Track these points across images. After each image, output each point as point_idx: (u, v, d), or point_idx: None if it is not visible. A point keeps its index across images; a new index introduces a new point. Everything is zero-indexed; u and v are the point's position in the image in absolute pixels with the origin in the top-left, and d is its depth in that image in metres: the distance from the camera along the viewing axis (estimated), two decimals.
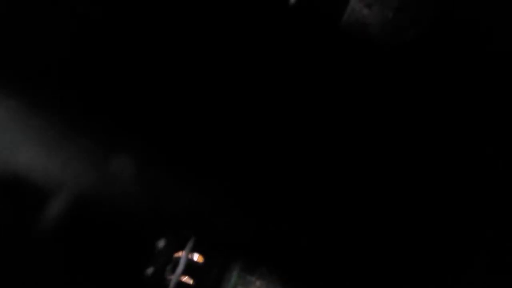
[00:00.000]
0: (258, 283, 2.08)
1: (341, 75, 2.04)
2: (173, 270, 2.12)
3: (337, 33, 2.03)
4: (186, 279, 2.14)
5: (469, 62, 2.01)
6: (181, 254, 2.16)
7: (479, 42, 2.01)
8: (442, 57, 2.02)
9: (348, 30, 2.03)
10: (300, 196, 2.13)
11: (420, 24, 2.01)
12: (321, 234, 2.08)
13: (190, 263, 2.15)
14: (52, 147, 2.13)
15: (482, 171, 2.01)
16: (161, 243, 2.14)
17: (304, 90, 2.08)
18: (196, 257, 2.17)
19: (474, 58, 2.01)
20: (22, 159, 2.10)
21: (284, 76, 2.07)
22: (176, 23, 2.07)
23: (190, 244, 2.15)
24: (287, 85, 2.08)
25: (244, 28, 2.06)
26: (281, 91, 2.08)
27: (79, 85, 2.16)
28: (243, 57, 2.08)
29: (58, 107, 2.15)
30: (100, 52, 2.15)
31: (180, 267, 2.12)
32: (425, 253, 1.97)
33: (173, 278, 2.11)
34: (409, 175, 2.04)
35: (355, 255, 2.01)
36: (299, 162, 2.13)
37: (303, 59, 2.06)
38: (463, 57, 2.02)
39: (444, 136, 2.04)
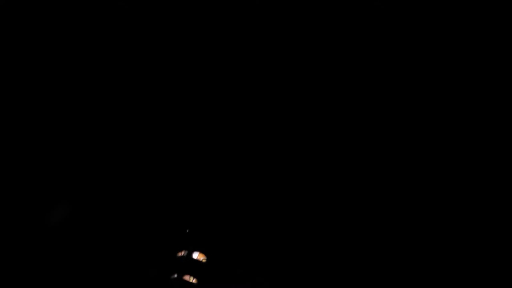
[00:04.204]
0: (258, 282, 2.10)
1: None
2: (176, 270, 2.14)
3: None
4: (188, 278, 2.15)
5: (470, 62, 2.00)
6: (183, 253, 2.18)
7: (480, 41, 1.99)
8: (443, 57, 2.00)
9: None
10: (302, 197, 2.14)
11: None
12: (323, 235, 2.09)
13: (193, 262, 2.16)
14: (52, 147, 2.15)
15: (481, 170, 2.01)
16: (162, 244, 2.16)
17: (303, 91, 2.09)
18: (199, 256, 2.18)
19: (475, 58, 1.99)
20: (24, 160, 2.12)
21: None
22: (173, 28, 2.08)
23: (192, 244, 2.17)
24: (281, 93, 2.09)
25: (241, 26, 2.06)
26: (279, 93, 2.09)
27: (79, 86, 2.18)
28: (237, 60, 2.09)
29: (58, 108, 2.17)
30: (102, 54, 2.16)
31: (183, 266, 2.14)
32: (423, 256, 1.98)
33: (176, 277, 2.13)
34: (409, 172, 2.04)
35: (352, 262, 2.02)
36: (301, 164, 2.13)
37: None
38: (464, 57, 2.00)
39: (444, 134, 2.04)
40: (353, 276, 2.00)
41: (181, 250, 2.20)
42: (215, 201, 2.22)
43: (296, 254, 2.10)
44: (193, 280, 2.16)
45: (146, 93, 2.19)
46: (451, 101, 2.02)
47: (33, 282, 1.99)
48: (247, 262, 2.12)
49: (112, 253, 2.11)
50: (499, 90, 1.98)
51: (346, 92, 2.08)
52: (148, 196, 2.20)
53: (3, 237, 2.02)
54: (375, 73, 2.04)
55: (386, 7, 1.95)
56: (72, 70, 2.17)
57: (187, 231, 2.21)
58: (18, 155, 2.11)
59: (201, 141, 2.22)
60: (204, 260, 2.18)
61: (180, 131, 2.22)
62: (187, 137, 2.22)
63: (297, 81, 2.10)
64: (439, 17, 1.94)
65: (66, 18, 2.14)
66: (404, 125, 2.07)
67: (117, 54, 2.15)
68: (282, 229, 2.15)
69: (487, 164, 2.00)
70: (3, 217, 2.04)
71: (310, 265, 2.07)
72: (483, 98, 2.00)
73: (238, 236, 2.18)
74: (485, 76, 1.99)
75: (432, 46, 1.99)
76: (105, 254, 2.10)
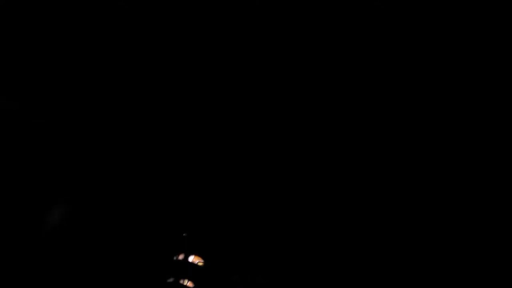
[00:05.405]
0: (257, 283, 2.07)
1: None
2: (172, 273, 2.11)
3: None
4: (186, 282, 2.13)
5: (470, 62, 2.00)
6: (181, 256, 2.15)
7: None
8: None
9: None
10: (301, 198, 2.12)
11: None
12: (321, 237, 2.07)
13: (190, 265, 2.14)
14: (52, 147, 2.14)
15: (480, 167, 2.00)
16: (159, 247, 2.13)
17: (303, 91, 2.09)
18: (196, 260, 2.16)
19: (474, 55, 1.99)
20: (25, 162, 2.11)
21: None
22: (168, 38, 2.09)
23: (189, 246, 2.15)
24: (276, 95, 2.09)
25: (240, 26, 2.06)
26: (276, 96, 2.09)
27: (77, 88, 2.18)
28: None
29: (58, 107, 2.16)
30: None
31: (179, 270, 2.11)
32: (421, 256, 1.96)
33: (172, 281, 2.10)
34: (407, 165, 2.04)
35: (351, 263, 2.00)
36: (298, 165, 2.12)
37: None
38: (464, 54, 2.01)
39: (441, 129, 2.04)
40: (353, 277, 1.98)
41: (178, 254, 2.18)
42: (212, 204, 2.20)
43: (294, 258, 2.08)
44: (189, 284, 2.13)
45: (146, 93, 2.18)
46: (450, 101, 2.02)
47: (33, 282, 1.96)
48: (244, 266, 2.10)
49: (109, 256, 2.08)
50: (499, 90, 1.99)
51: (345, 92, 2.08)
52: (145, 199, 2.18)
53: (3, 237, 2.00)
54: (375, 73, 2.04)
55: (386, 7, 1.96)
56: (71, 70, 2.17)
57: (184, 234, 2.19)
58: (19, 155, 2.10)
59: (199, 145, 2.22)
60: (201, 264, 2.16)
61: (176, 135, 2.21)
62: (185, 141, 2.22)
63: (296, 81, 2.10)
64: (439, 17, 1.95)
65: (66, 18, 2.14)
66: (404, 125, 2.06)
67: (117, 54, 2.15)
68: (279, 232, 2.13)
69: (487, 164, 1.99)
70: (3, 217, 2.02)
71: (308, 269, 2.05)
72: (483, 98, 2.00)
73: (235, 239, 2.16)
74: (485, 76, 1.99)
75: (432, 46, 1.99)
76: (102, 257, 2.07)
